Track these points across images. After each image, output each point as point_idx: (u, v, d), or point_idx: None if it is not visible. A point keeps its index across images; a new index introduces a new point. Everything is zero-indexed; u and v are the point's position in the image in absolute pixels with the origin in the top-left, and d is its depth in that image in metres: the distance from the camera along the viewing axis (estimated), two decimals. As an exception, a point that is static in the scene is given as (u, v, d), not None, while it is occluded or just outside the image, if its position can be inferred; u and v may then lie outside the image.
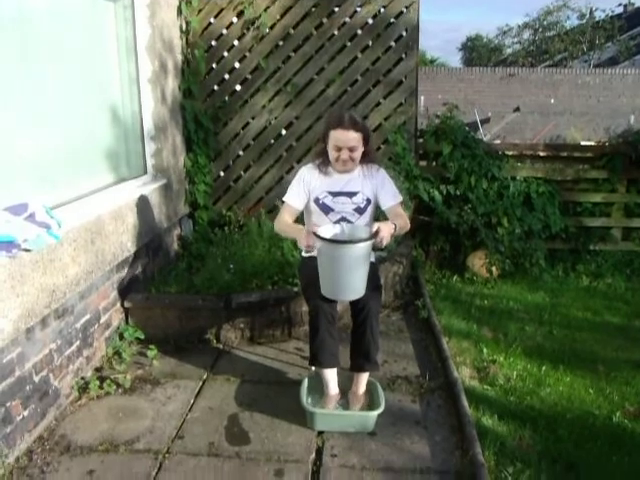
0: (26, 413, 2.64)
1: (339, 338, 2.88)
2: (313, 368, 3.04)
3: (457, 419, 2.87)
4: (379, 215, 3.15)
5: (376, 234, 2.63)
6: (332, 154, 2.92)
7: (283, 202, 3.09)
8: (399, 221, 2.86)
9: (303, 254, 2.97)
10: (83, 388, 3.10)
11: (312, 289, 2.85)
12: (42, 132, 3.13)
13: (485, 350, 3.68)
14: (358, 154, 2.92)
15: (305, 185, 3.03)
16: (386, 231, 2.65)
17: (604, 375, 3.45)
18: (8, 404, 2.51)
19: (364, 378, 2.95)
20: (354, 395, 2.95)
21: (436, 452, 2.64)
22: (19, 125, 2.92)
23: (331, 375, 2.92)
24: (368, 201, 3.02)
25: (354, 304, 2.84)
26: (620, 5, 26.80)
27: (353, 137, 2.86)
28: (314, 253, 2.80)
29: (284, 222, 3.00)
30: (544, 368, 3.50)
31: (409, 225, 3.00)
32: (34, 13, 3.06)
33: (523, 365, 3.54)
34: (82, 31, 3.57)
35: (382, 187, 3.03)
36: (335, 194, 3.00)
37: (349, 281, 2.71)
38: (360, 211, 3.00)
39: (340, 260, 2.65)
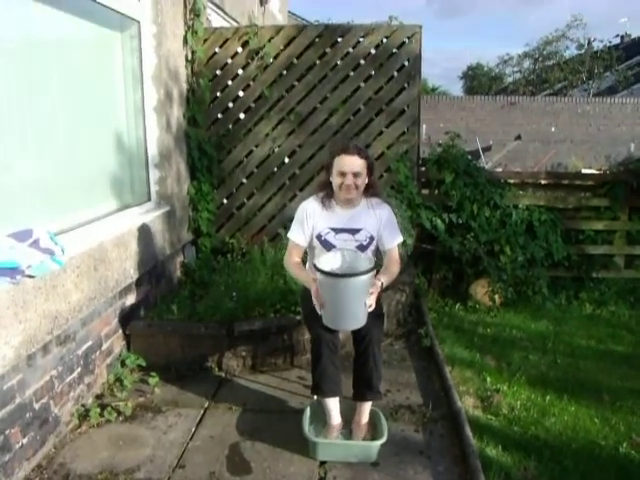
0: (25, 441, 2.62)
1: (341, 367, 2.87)
2: (315, 397, 3.01)
3: (461, 449, 2.83)
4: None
5: (377, 265, 2.70)
6: (336, 181, 2.90)
7: (288, 238, 3.11)
8: (392, 267, 2.95)
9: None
10: (83, 415, 3.08)
11: (313, 318, 2.84)
12: (48, 159, 3.16)
13: (488, 379, 3.65)
14: (362, 181, 2.91)
15: (308, 220, 3.01)
16: (383, 279, 2.81)
17: (609, 405, 3.42)
18: (7, 432, 2.49)
19: (367, 407, 2.92)
20: (357, 425, 2.92)
21: (440, 483, 2.61)
22: (25, 152, 2.95)
23: (333, 404, 2.90)
24: (371, 239, 2.99)
25: (356, 332, 2.83)
26: (617, 36, 27.29)
27: (358, 163, 2.86)
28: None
29: (295, 265, 3.03)
30: (548, 397, 3.46)
31: (398, 271, 3.03)
32: (42, 42, 3.12)
33: (527, 394, 3.50)
34: (89, 60, 3.63)
35: (385, 228, 3.01)
36: (338, 231, 2.98)
37: (350, 311, 2.71)
38: (362, 248, 2.97)
39: (340, 291, 2.66)
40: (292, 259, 3.04)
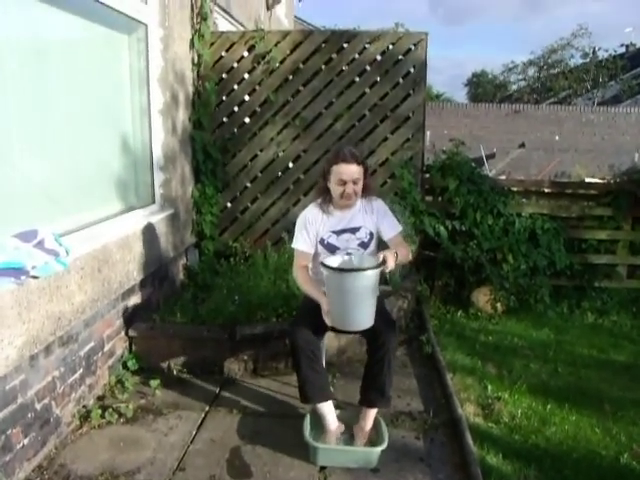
0: (26, 441, 2.62)
1: (325, 371, 2.90)
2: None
3: (461, 457, 2.83)
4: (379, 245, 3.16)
5: (383, 262, 2.67)
6: (336, 189, 2.95)
7: (293, 249, 3.13)
8: (400, 249, 2.90)
9: None
10: (85, 417, 3.08)
11: (296, 324, 2.88)
12: (53, 160, 3.17)
13: (490, 387, 3.65)
14: (360, 187, 2.98)
15: (311, 227, 3.05)
16: (390, 258, 2.70)
17: (610, 414, 3.41)
18: (9, 432, 2.50)
19: (373, 413, 2.91)
20: (361, 430, 2.90)
21: (440, 490, 2.61)
22: (30, 153, 2.97)
23: (327, 409, 2.90)
24: (371, 235, 3.06)
25: (373, 340, 2.81)
26: (622, 45, 27.29)
27: (356, 170, 2.92)
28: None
29: (305, 277, 3.05)
30: (549, 406, 3.46)
31: (410, 255, 3.06)
32: (48, 44, 3.13)
33: (528, 403, 3.50)
34: (96, 62, 3.65)
35: (382, 219, 3.08)
36: (339, 232, 3.04)
37: (358, 310, 2.71)
38: (364, 245, 3.04)
39: (348, 288, 2.66)
40: (301, 269, 3.07)
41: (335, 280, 2.70)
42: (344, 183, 2.92)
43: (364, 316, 2.73)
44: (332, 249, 3.02)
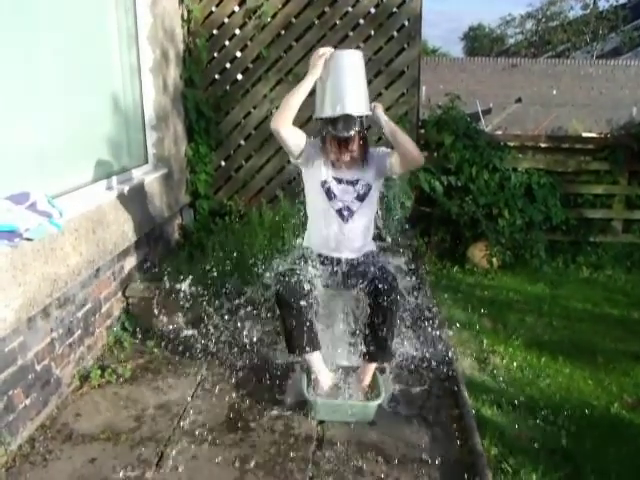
0: (28, 402, 2.65)
1: (312, 321, 2.86)
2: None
3: (457, 409, 2.88)
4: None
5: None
6: (332, 156, 2.92)
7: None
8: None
9: (304, 244, 3.07)
10: (85, 377, 3.11)
11: (281, 274, 2.88)
12: (43, 122, 3.12)
13: (485, 341, 3.70)
14: (358, 151, 2.93)
15: (307, 144, 2.97)
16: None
17: (603, 366, 3.47)
18: (10, 392, 2.52)
19: (372, 368, 2.93)
20: (360, 384, 2.92)
21: (435, 441, 2.66)
22: (20, 114, 2.91)
23: (315, 359, 2.90)
24: (368, 187, 3.00)
25: (375, 295, 2.79)
26: (625, -5, 26.68)
27: (351, 139, 2.85)
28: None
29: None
30: (543, 359, 3.51)
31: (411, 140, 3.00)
32: (32, 2, 3.04)
33: (523, 356, 3.55)
34: (83, 20, 3.55)
35: (379, 158, 3.02)
36: (340, 181, 2.98)
37: (353, 88, 2.85)
38: (360, 198, 2.99)
39: (344, 65, 2.87)
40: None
41: (333, 58, 2.87)
42: (339, 151, 2.88)
43: (359, 96, 2.86)
44: (330, 196, 2.97)
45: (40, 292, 2.70)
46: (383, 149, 3.09)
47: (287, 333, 2.86)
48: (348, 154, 2.89)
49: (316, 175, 3.00)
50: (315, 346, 2.89)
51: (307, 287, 2.84)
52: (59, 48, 3.27)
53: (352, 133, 2.80)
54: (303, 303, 2.80)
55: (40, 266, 2.69)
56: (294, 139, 2.94)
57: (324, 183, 2.98)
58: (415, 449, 2.59)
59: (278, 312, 2.90)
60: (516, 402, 3.03)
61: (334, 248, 3.01)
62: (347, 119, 2.79)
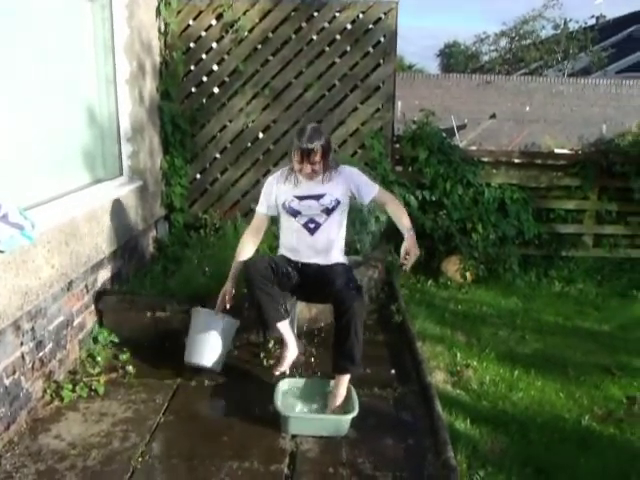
0: (-4, 417, 2.60)
1: (279, 293, 3.05)
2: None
3: (430, 423, 2.89)
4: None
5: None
6: (296, 166, 3.06)
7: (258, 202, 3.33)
8: (401, 215, 3.15)
9: (278, 253, 3.25)
10: (56, 391, 3.06)
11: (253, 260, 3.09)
12: (16, 132, 3.08)
13: (459, 354, 3.72)
14: (320, 166, 3.04)
15: (272, 189, 3.22)
16: (412, 246, 2.98)
17: (574, 379, 3.52)
18: (-22, 407, 2.47)
19: (345, 380, 2.94)
20: (333, 397, 2.92)
21: (409, 456, 2.66)
22: (-8, 124, 2.88)
23: (283, 328, 3.06)
24: (337, 202, 3.12)
25: (339, 306, 2.87)
26: (593, 17, 27.34)
27: (314, 151, 2.96)
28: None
29: (244, 245, 3.24)
30: (516, 372, 3.55)
31: (402, 206, 3.30)
32: (7, 11, 3.01)
33: (496, 370, 3.58)
34: (59, 30, 3.54)
35: (356, 183, 3.18)
36: (302, 198, 3.12)
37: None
38: (328, 212, 3.12)
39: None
40: (250, 233, 3.28)
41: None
42: (301, 162, 3.00)
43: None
44: (294, 213, 3.13)
45: (10, 305, 2.65)
46: (364, 179, 3.22)
47: (260, 312, 3.00)
48: (309, 166, 3.00)
49: (280, 200, 3.18)
50: (282, 316, 3.04)
51: (273, 266, 3.03)
52: (34, 59, 3.25)
53: (313, 146, 2.94)
54: (270, 283, 2.99)
55: (11, 278, 2.65)
56: (266, 224, 3.33)
57: (284, 204, 3.15)
58: (389, 463, 2.59)
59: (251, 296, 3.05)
60: (489, 416, 3.06)
61: (305, 256, 3.17)
62: (312, 133, 2.97)
